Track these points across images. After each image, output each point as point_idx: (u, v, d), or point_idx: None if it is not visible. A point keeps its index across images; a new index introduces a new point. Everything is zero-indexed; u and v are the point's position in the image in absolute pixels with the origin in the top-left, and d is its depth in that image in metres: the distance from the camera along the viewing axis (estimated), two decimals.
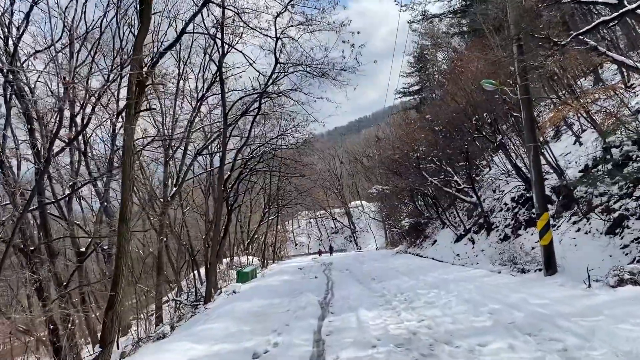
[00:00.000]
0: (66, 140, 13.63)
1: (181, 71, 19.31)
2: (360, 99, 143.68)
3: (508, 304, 7.34)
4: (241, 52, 17.27)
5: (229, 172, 20.48)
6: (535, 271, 11.67)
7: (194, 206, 27.40)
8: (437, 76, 30.61)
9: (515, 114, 14.66)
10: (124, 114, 12.39)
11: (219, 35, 15.69)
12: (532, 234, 14.89)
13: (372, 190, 34.56)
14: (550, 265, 10.74)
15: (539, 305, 6.93)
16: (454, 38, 31.20)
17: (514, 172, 16.60)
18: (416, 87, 43.89)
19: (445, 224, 23.99)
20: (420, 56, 42.37)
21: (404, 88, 44.13)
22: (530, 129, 11.10)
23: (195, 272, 27.12)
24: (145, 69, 9.62)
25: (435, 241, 24.28)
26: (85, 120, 13.21)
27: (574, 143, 16.15)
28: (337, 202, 70.54)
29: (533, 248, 13.78)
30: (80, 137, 14.62)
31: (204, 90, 19.48)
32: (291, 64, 17.16)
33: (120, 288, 9.22)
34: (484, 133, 15.68)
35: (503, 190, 19.09)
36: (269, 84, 17.73)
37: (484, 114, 15.36)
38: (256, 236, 42.53)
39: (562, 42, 9.62)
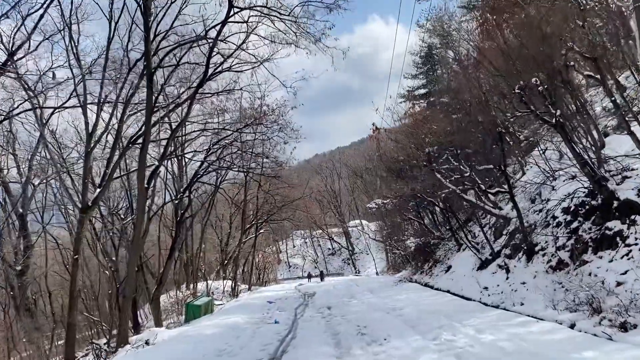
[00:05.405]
0: None
1: (112, 30, 14.35)
2: (364, 119, 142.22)
3: None
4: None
5: (156, 163, 15.09)
6: None
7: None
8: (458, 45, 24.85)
9: (588, 73, 9.45)
10: None
11: None
12: (610, 261, 9.53)
13: (370, 205, 29.07)
14: None
15: None
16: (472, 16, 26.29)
17: (573, 168, 11.32)
18: (422, 91, 38.86)
19: (462, 245, 18.59)
20: (429, 55, 37.61)
21: (408, 91, 39.09)
22: None
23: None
24: None
25: (450, 267, 18.85)
26: None
27: None
28: (335, 221, 64.94)
29: (619, 284, 8.52)
30: None
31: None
32: (251, 9, 12.13)
33: None
34: (533, 108, 10.45)
35: (548, 199, 13.80)
36: (212, 31, 12.49)
37: (534, 79, 10.15)
38: (240, 257, 37.30)
39: None
